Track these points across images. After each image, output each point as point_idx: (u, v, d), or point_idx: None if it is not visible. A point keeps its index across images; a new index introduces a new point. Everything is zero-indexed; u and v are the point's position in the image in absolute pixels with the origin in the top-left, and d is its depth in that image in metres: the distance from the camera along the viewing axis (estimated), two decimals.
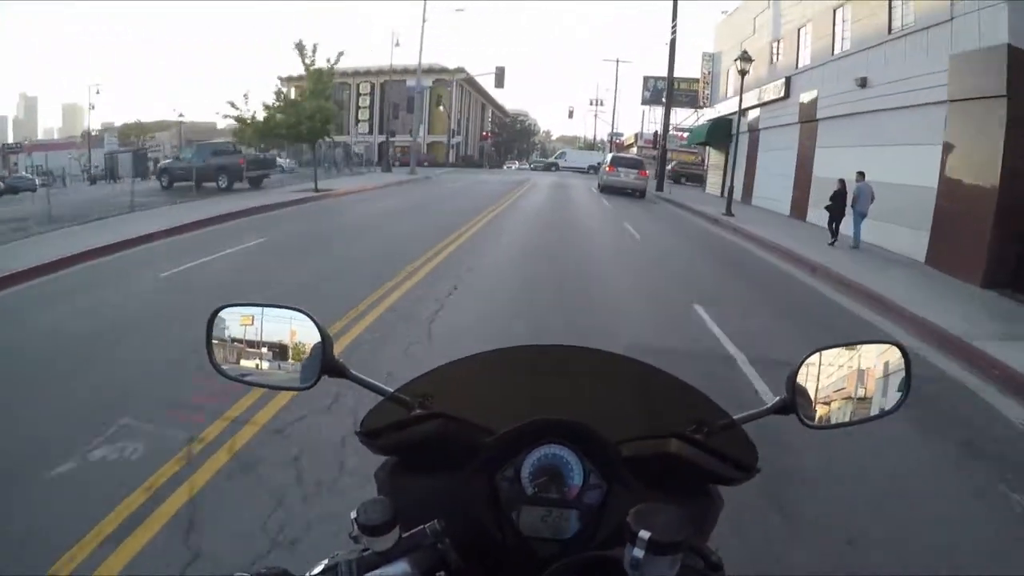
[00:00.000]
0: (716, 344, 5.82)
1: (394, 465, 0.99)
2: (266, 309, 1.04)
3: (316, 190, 19.34)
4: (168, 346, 5.14)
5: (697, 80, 39.83)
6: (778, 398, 0.99)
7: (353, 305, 6.47)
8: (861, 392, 1.01)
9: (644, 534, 0.70)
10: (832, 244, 12.84)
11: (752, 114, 22.40)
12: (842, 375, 1.01)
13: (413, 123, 36.01)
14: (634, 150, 48.40)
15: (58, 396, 4.30)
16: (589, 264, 9.81)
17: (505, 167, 58.61)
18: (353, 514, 0.77)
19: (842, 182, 12.93)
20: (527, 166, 64.48)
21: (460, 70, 55.98)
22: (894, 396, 1.02)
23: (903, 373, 1.02)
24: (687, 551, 0.73)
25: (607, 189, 24.56)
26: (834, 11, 16.14)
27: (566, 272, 8.89)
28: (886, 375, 1.02)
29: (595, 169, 54.74)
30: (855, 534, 2.97)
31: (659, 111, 51.01)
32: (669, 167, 30.57)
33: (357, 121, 57.53)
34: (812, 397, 0.99)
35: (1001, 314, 7.81)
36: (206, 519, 2.87)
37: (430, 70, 54.85)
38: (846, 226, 12.76)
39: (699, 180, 33.44)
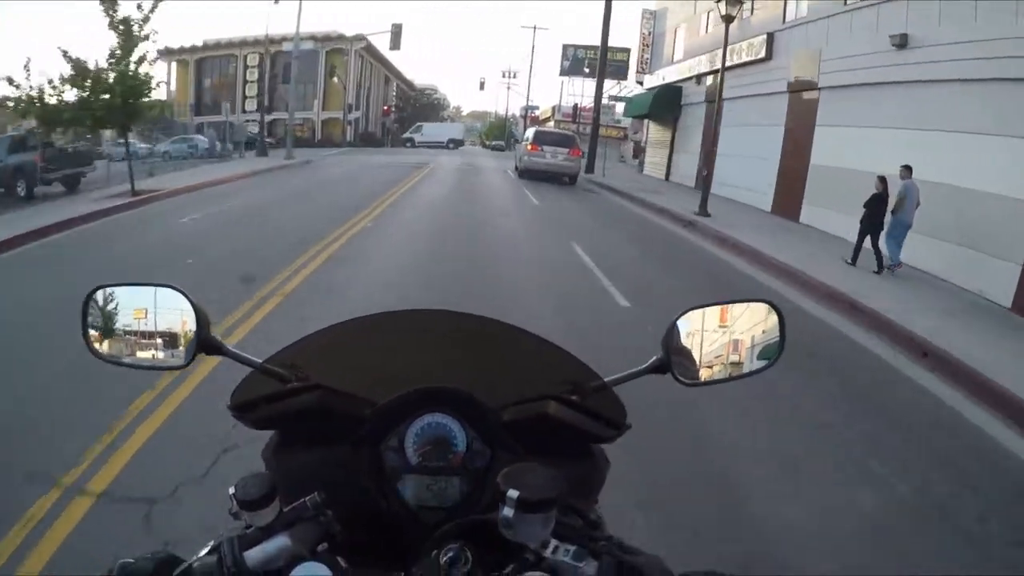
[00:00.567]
0: None
1: (277, 440, 0.97)
2: (139, 288, 1.00)
3: (133, 193, 13.57)
4: None
5: (625, 50, 36.01)
6: (654, 357, 0.98)
7: None
8: (736, 349, 1.02)
9: (513, 493, 0.70)
10: (851, 263, 9.16)
11: (710, 81, 18.43)
12: (717, 334, 1.01)
13: (289, 96, 29.62)
14: (550, 124, 43.80)
15: None
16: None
17: (408, 146, 52.20)
18: (231, 490, 0.75)
19: (883, 181, 8.98)
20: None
21: (359, 37, 49.29)
22: (768, 353, 1.02)
23: (777, 330, 1.02)
24: (564, 510, 0.75)
25: (529, 174, 19.85)
26: None
27: None
28: (761, 332, 1.03)
29: (456, 143, 51.02)
30: None
31: (578, 83, 47.94)
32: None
33: (245, 97, 49.89)
34: (688, 355, 0.99)
35: None
36: None
37: (326, 38, 48.03)
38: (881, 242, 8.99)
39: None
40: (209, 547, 0.75)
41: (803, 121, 13.23)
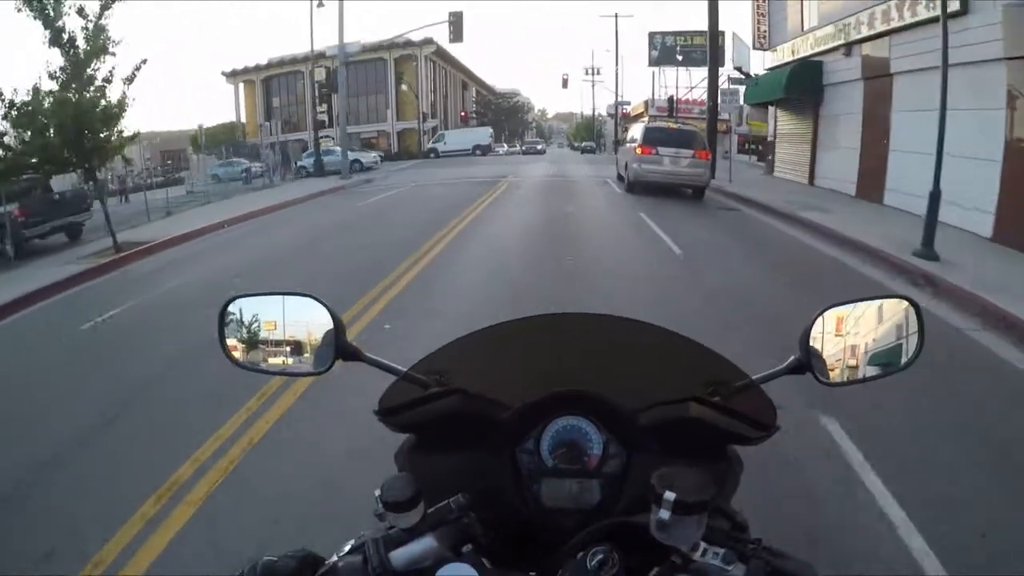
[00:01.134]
0: None
1: (412, 443, 0.98)
2: (276, 297, 1.01)
3: (116, 248, 10.63)
4: None
5: (720, 33, 30.66)
6: (792, 357, 0.96)
7: None
8: (875, 347, 0.99)
9: (669, 495, 0.68)
10: None
11: (867, 49, 13.44)
12: (855, 332, 0.99)
13: (339, 108, 26.71)
14: (645, 119, 38.75)
15: None
16: None
17: (498, 151, 48.39)
18: (377, 492, 0.75)
19: None
20: (516, 149, 55.30)
21: (428, 41, 46.64)
22: (908, 350, 0.99)
23: (916, 327, 1.00)
24: (712, 512, 0.73)
25: (641, 187, 15.24)
26: None
27: None
28: (899, 330, 1.00)
29: (482, 150, 44.72)
30: None
31: (669, 74, 42.65)
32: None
33: (317, 112, 48.52)
34: (825, 354, 0.97)
35: None
36: None
37: (392, 45, 45.75)
38: None
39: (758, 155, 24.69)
40: (350, 546, 0.76)
41: None
